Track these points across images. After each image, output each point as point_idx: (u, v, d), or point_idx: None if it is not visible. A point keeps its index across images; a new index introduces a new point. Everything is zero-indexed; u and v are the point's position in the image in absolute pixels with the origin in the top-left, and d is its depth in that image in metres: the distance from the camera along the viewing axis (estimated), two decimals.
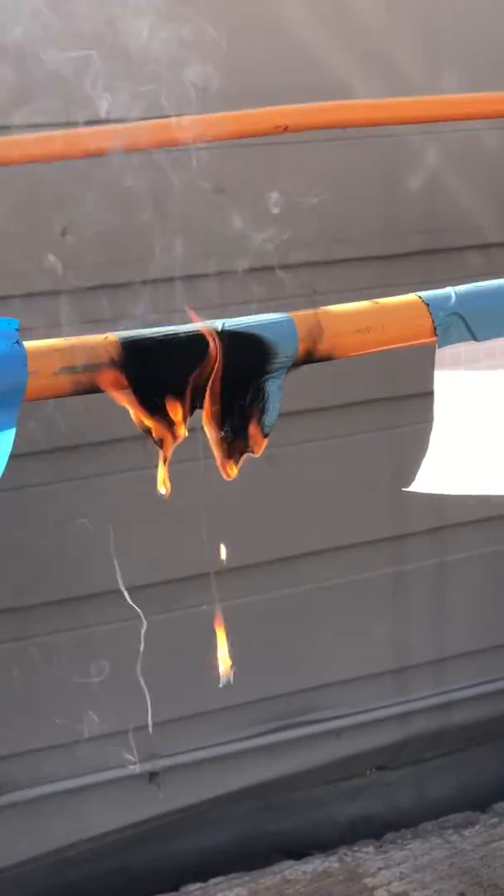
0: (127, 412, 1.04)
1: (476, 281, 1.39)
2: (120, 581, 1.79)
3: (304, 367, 1.11)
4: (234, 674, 1.28)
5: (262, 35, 2.62)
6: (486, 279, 1.45)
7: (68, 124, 2.12)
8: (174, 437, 1.03)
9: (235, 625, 2.87)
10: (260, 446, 1.05)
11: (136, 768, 2.84)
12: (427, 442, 1.11)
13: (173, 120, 1.83)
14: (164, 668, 2.82)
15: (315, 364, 1.13)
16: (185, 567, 2.79)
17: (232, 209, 2.49)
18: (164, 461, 1.06)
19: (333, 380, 2.82)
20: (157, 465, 1.10)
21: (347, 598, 2.98)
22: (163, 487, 1.09)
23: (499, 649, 3.15)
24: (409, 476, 1.28)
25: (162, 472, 1.09)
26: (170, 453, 1.04)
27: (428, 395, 1.11)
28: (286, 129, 1.83)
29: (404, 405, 2.85)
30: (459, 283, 1.63)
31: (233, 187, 2.50)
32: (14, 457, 1.05)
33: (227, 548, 2.78)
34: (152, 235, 2.42)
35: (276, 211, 2.61)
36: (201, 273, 2.60)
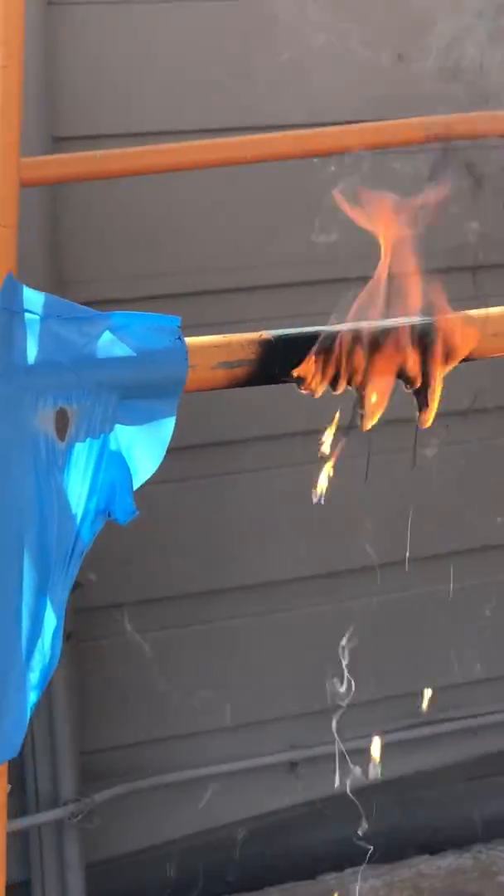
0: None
1: None
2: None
3: None
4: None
5: None
6: None
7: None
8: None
9: (380, 622, 2.94)
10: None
11: (277, 758, 2.92)
12: None
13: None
14: (306, 661, 2.89)
15: None
16: (333, 562, 2.86)
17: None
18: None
19: None
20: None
21: (487, 598, 3.02)
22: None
23: None
24: None
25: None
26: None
27: None
28: (437, 137, 1.90)
29: None
30: None
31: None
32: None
33: (374, 544, 2.85)
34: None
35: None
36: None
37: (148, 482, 2.73)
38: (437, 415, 1.26)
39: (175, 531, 2.79)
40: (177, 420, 1.12)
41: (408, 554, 2.92)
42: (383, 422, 1.35)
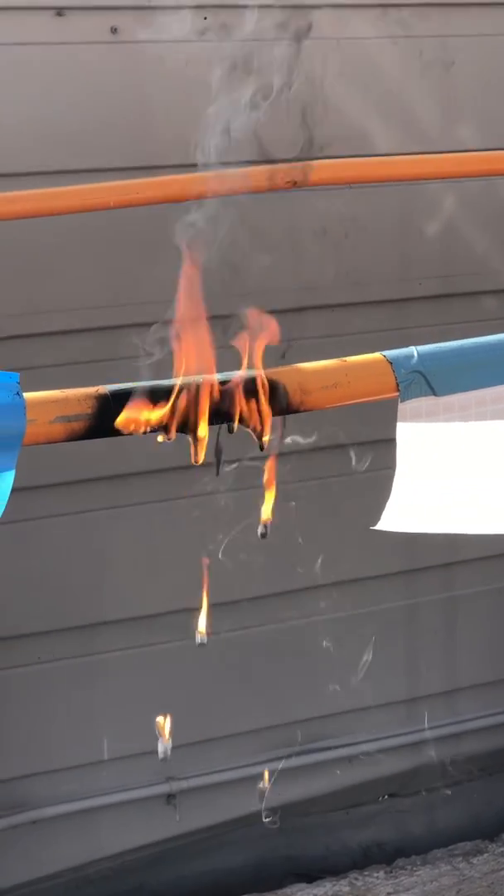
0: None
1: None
2: None
3: None
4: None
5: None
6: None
7: None
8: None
9: (253, 653, 2.98)
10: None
11: (154, 790, 2.94)
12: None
13: (184, 176, 1.95)
14: (183, 693, 2.92)
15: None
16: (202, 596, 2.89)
17: (252, 253, 2.59)
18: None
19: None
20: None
21: (362, 629, 3.07)
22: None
23: None
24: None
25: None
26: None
27: None
28: (295, 184, 1.95)
29: None
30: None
31: (252, 234, 2.61)
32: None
33: (246, 577, 2.89)
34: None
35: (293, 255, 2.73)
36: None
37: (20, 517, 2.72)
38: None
39: (48, 566, 2.81)
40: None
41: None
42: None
